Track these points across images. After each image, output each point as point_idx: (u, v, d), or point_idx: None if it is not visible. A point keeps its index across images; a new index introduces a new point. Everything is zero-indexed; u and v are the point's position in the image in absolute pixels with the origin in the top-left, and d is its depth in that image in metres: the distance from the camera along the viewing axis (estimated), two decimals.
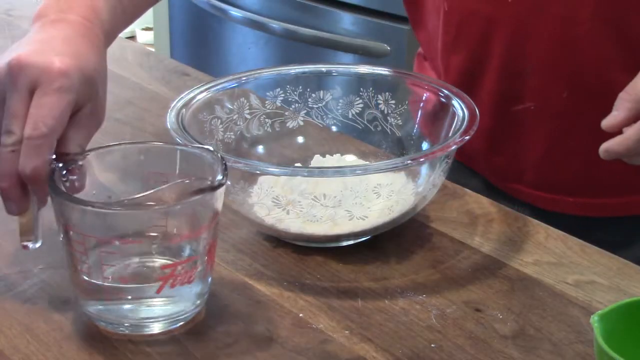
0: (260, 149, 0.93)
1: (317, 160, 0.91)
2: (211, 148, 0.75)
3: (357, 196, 0.80)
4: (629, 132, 0.79)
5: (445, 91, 0.88)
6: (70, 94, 0.72)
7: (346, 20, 1.88)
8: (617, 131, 0.81)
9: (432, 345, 0.71)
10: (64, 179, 0.73)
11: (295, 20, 1.96)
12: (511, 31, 0.95)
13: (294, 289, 0.78)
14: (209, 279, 0.74)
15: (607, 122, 0.81)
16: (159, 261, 0.72)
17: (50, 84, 0.72)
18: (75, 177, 0.73)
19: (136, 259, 0.73)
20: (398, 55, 1.80)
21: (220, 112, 0.90)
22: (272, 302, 0.76)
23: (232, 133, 0.91)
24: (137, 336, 0.72)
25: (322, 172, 0.84)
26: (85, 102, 0.75)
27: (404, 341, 0.72)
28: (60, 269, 0.80)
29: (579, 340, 0.72)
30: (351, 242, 0.83)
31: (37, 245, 0.77)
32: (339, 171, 0.81)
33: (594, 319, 0.62)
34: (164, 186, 0.70)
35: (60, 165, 0.73)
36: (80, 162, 0.74)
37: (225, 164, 0.72)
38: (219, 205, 0.71)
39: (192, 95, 0.88)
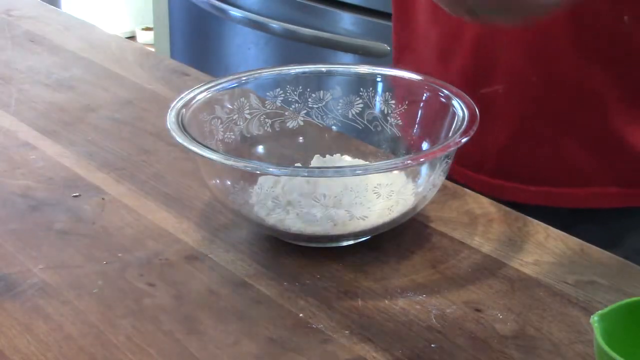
0: (260, 149, 0.93)
1: (317, 160, 0.91)
2: None
3: (357, 196, 0.80)
4: None
5: (445, 91, 0.88)
6: None
7: (346, 20, 1.88)
8: None
9: (432, 345, 0.71)
10: None
11: (295, 20, 1.96)
12: None
13: (294, 289, 0.78)
14: None
15: None
16: None
17: None
18: None
19: None
20: None
21: (220, 112, 0.90)
22: (272, 302, 0.76)
23: (232, 133, 0.91)
24: (137, 335, 0.72)
25: (322, 172, 0.84)
26: None
27: (404, 341, 0.72)
28: (60, 269, 0.80)
29: (579, 340, 0.72)
30: (351, 242, 0.83)
31: None
32: (339, 171, 0.81)
33: (594, 319, 0.62)
34: None
35: None
36: None
37: None
38: None
39: (192, 95, 0.88)
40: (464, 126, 0.82)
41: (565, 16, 0.92)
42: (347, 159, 0.91)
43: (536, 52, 0.95)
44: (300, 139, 0.94)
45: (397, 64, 1.12)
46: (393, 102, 0.93)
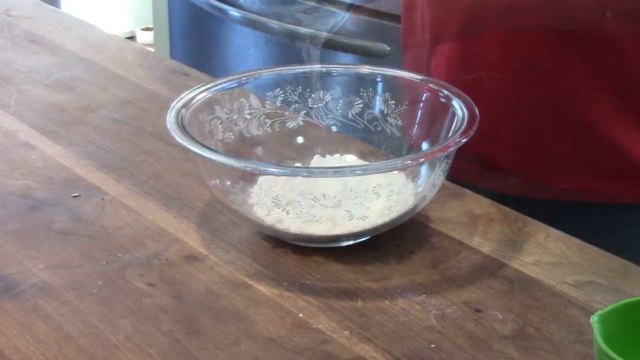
0: (260, 149, 0.93)
1: (317, 160, 0.91)
2: None
3: (357, 196, 0.80)
4: None
5: (445, 91, 0.88)
6: None
7: (346, 20, 1.88)
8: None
9: (432, 345, 0.71)
10: None
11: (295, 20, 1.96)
12: None
13: (294, 289, 0.78)
14: None
15: None
16: None
17: None
18: None
19: None
20: (398, 55, 1.80)
21: (220, 112, 0.90)
22: (272, 302, 0.76)
23: (232, 133, 0.91)
24: (137, 335, 0.72)
25: (322, 172, 0.84)
26: None
27: (404, 341, 0.72)
28: (60, 269, 0.80)
29: (579, 340, 0.72)
30: (351, 242, 0.83)
31: None
32: (339, 171, 0.81)
33: (594, 319, 0.62)
34: None
35: None
36: None
37: None
38: None
39: (192, 95, 0.88)
40: (463, 126, 0.82)
41: (549, 10, 0.92)
42: (347, 159, 0.91)
43: (518, 43, 0.95)
44: (300, 139, 0.94)
45: (404, 49, 1.12)
46: (393, 102, 0.93)
